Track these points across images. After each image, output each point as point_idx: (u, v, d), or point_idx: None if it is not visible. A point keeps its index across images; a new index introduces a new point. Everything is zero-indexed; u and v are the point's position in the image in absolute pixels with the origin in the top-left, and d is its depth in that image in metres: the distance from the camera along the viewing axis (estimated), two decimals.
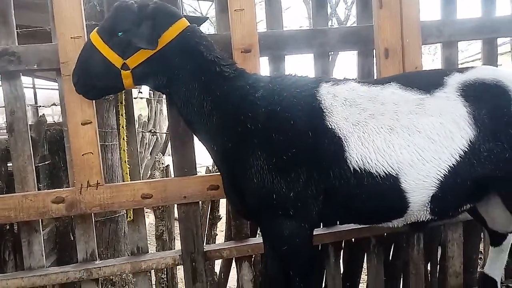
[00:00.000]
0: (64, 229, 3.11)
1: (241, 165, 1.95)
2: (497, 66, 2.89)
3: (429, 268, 3.17)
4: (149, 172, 5.44)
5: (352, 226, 2.73)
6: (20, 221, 2.33)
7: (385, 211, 2.04)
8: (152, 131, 3.51)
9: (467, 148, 1.92)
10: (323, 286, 2.87)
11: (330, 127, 1.92)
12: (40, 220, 2.41)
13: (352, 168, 1.90)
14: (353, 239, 2.90)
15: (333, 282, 2.83)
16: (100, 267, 2.41)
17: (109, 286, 3.13)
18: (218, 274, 2.99)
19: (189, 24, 2.03)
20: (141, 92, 4.10)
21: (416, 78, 2.16)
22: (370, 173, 1.90)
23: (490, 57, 2.87)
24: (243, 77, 2.06)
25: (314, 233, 2.63)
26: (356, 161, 1.90)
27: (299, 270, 2.02)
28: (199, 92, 2.00)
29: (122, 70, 1.98)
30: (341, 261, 2.92)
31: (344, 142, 1.91)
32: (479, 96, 1.99)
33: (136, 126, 3.47)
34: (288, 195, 1.90)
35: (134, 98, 3.30)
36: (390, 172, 1.90)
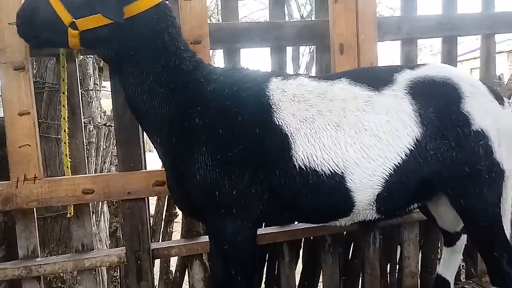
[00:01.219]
0: (12, 224, 2.99)
1: (185, 161, 1.87)
2: (456, 65, 2.88)
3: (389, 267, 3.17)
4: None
5: (307, 225, 2.70)
6: None
7: (331, 210, 1.99)
8: (108, 124, 3.40)
9: (413, 147, 1.88)
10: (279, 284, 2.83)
11: (278, 123, 1.86)
12: None
13: (297, 166, 1.84)
14: (311, 238, 2.87)
15: (287, 281, 2.79)
16: (40, 265, 2.30)
17: (59, 284, 3.03)
18: (173, 272, 2.92)
19: (161, 1, 1.88)
20: (105, 87, 3.96)
21: (367, 74, 2.11)
22: (316, 171, 1.84)
23: (450, 56, 2.85)
24: (199, 69, 1.95)
25: (268, 232, 2.64)
26: (302, 159, 1.84)
27: (241, 268, 1.96)
28: (152, 82, 1.87)
29: (69, 28, 1.79)
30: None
31: (291, 139, 1.84)
32: (427, 93, 1.95)
33: (104, 119, 3.38)
34: (232, 193, 1.83)
35: (98, 90, 3.21)
36: (336, 171, 1.85)
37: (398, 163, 1.87)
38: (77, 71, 2.35)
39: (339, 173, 1.85)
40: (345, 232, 2.89)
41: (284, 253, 2.77)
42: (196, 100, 1.87)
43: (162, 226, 3.02)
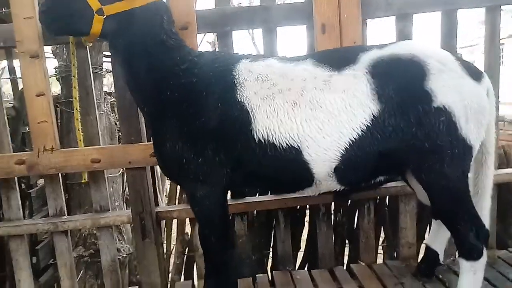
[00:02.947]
0: None
1: (159, 131, 2.15)
2: (456, 41, 2.81)
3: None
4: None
5: (297, 194, 2.88)
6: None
7: (291, 180, 2.16)
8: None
9: (370, 123, 1.98)
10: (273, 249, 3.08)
11: (240, 100, 2.05)
12: (16, 178, 2.78)
13: (257, 139, 2.03)
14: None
15: (283, 246, 3.02)
16: (64, 221, 2.76)
17: (92, 240, 3.52)
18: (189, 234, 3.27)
19: None
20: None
21: (333, 55, 2.22)
22: (274, 144, 2.02)
23: (449, 31, 2.79)
24: (179, 50, 2.18)
25: (261, 199, 2.87)
26: (261, 133, 2.02)
27: (211, 229, 2.22)
28: (141, 53, 2.11)
29: (96, 14, 2.04)
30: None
31: (251, 115, 2.03)
32: (389, 72, 2.02)
33: (110, 97, 3.76)
34: (197, 161, 2.07)
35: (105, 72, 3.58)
36: (292, 144, 2.01)
37: (354, 138, 1.99)
38: (89, 56, 2.69)
39: (296, 146, 2.01)
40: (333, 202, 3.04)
41: (280, 220, 2.99)
42: (170, 77, 2.11)
43: (175, 191, 3.37)
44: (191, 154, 2.07)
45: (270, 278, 2.98)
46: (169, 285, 3.12)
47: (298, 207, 3.20)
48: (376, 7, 2.64)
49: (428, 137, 1.98)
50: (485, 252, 2.11)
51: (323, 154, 2.01)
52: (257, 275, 2.96)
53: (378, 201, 3.23)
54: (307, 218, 3.27)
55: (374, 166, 2.08)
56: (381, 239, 3.41)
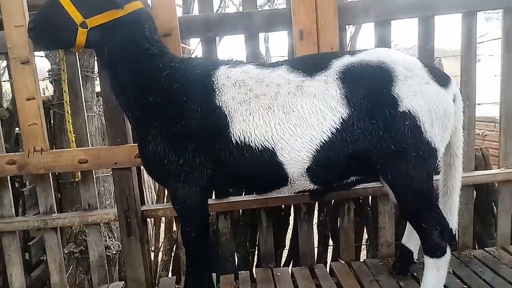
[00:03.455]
0: None
1: (142, 133, 2.27)
2: (433, 46, 2.91)
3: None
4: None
5: (279, 194, 2.99)
6: None
7: (268, 180, 2.27)
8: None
9: (339, 126, 2.09)
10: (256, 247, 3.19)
11: (218, 104, 2.16)
12: (8, 177, 2.91)
13: (234, 142, 2.14)
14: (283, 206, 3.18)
15: (265, 244, 3.13)
16: (54, 219, 2.89)
17: (83, 237, 3.63)
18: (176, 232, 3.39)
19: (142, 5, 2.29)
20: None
21: (307, 61, 2.32)
22: (250, 146, 2.13)
23: (426, 37, 2.89)
24: (161, 57, 2.30)
25: (243, 199, 2.98)
26: (238, 136, 2.14)
27: (191, 227, 2.34)
28: (125, 60, 2.23)
29: (80, 28, 2.18)
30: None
31: (229, 119, 2.14)
32: (358, 78, 2.12)
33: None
34: (178, 162, 2.19)
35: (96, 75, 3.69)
36: (267, 146, 2.12)
37: (324, 140, 2.09)
38: (77, 61, 2.81)
39: (270, 148, 2.12)
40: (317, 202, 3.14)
41: (262, 218, 3.10)
42: (153, 83, 2.23)
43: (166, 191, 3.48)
44: (172, 156, 2.18)
45: (254, 275, 3.09)
46: (156, 281, 3.24)
47: (283, 206, 3.31)
48: (354, 14, 2.74)
49: (394, 140, 2.08)
50: (448, 250, 2.21)
51: (295, 155, 2.12)
52: (239, 272, 3.07)
53: (360, 201, 3.34)
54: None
55: (344, 167, 2.18)
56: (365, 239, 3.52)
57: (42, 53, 3.78)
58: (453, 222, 2.44)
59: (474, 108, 3.02)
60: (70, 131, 2.75)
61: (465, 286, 2.68)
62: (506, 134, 3.06)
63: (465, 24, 2.92)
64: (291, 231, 3.41)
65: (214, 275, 2.64)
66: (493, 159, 3.38)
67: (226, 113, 2.15)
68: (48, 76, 3.59)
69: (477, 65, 3.05)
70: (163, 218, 3.56)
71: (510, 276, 2.76)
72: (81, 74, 2.93)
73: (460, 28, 2.96)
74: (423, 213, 2.19)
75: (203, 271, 2.47)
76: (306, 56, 2.54)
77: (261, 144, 2.12)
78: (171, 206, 2.87)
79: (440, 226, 2.21)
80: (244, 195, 3.04)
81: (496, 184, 3.23)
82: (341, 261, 3.15)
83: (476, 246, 3.33)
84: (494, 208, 3.31)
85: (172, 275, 3.38)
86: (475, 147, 3.20)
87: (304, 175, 2.18)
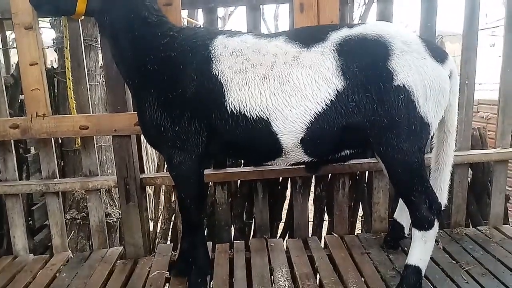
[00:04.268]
0: None
1: (140, 100, 2.31)
2: (434, 23, 2.89)
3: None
4: None
5: (275, 167, 3.05)
6: None
7: (263, 150, 2.31)
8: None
9: (334, 98, 2.11)
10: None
11: (214, 73, 2.19)
12: (12, 142, 2.98)
13: (230, 111, 2.18)
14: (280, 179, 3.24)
15: (261, 215, 3.20)
16: (56, 183, 2.97)
17: (85, 204, 3.73)
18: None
19: None
20: None
21: (305, 32, 2.32)
22: (245, 115, 2.17)
23: (428, 13, 2.87)
24: (161, 25, 2.32)
25: (240, 170, 3.04)
26: (234, 105, 2.17)
27: (187, 193, 2.40)
28: (125, 29, 2.28)
29: None
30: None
31: (225, 88, 2.17)
32: (354, 50, 2.13)
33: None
34: (174, 129, 2.24)
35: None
36: (262, 116, 2.16)
37: (319, 111, 2.12)
38: (80, 29, 2.84)
39: (265, 118, 2.15)
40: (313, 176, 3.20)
41: (258, 190, 3.16)
42: (151, 51, 2.26)
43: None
44: (169, 123, 2.23)
45: (249, 245, 3.17)
46: (155, 248, 3.34)
47: (280, 180, 3.37)
48: None
49: (388, 114, 2.10)
50: (436, 223, 2.25)
51: (290, 125, 2.15)
52: (234, 241, 3.16)
53: (357, 177, 3.39)
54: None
55: (338, 139, 2.20)
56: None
57: (48, 24, 3.82)
58: (443, 198, 2.47)
59: (473, 87, 3.02)
60: (71, 98, 2.81)
61: (453, 261, 2.74)
62: (504, 114, 3.07)
63: (468, 2, 2.90)
64: (288, 205, 3.48)
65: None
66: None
67: (222, 82, 2.17)
68: (52, 44, 3.63)
69: (491, 49, 3.04)
70: (162, 189, 3.63)
71: (499, 253, 2.82)
72: (84, 43, 2.97)
73: (463, 7, 2.95)
74: (413, 186, 2.22)
75: (198, 237, 2.54)
76: (305, 27, 2.55)
77: (256, 114, 2.16)
78: (169, 175, 2.99)
79: (429, 200, 2.25)
80: (243, 166, 3.10)
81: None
82: (335, 234, 3.22)
83: (471, 225, 3.38)
84: (490, 188, 3.34)
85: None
86: (473, 127, 3.22)
87: (298, 146, 2.22)
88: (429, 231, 2.25)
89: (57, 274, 2.82)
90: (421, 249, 2.28)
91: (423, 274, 2.31)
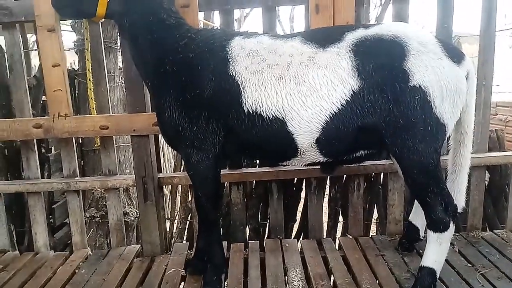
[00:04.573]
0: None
1: (159, 101, 2.36)
2: (451, 24, 2.88)
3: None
4: None
5: (290, 167, 3.08)
6: (20, 141, 3.03)
7: (278, 150, 2.33)
8: None
9: (349, 98, 2.12)
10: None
11: (232, 74, 2.22)
12: (35, 140, 3.08)
13: (246, 111, 2.21)
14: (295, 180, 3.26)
15: (276, 215, 3.23)
16: (76, 182, 3.06)
17: (104, 202, 3.81)
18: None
19: None
20: None
21: (321, 33, 2.34)
22: (261, 115, 2.20)
23: (445, 14, 2.87)
24: (179, 27, 2.39)
25: (255, 171, 3.08)
26: (250, 105, 2.20)
27: (204, 192, 2.44)
28: (144, 31, 2.35)
29: None
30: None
31: (241, 88, 2.21)
32: (370, 51, 2.14)
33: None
34: (192, 129, 2.28)
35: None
36: (278, 116, 2.19)
37: (334, 112, 2.14)
38: (101, 31, 2.92)
39: (280, 118, 2.18)
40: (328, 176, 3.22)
41: (273, 191, 3.19)
42: (170, 52, 2.32)
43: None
44: (187, 123, 2.28)
45: (263, 245, 3.19)
46: (171, 247, 3.39)
47: (295, 181, 3.39)
48: None
49: (403, 114, 2.10)
50: (451, 225, 2.24)
51: (305, 126, 2.17)
52: (249, 241, 3.19)
53: (372, 179, 3.39)
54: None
55: (353, 140, 2.21)
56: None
57: (69, 27, 3.92)
58: (460, 201, 2.46)
59: (490, 88, 3.00)
60: (91, 98, 2.89)
61: (469, 265, 2.72)
62: None
63: (486, 2, 2.88)
64: (303, 206, 3.50)
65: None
66: None
67: (239, 82, 2.21)
68: (73, 46, 3.73)
69: (510, 50, 3.02)
70: (179, 189, 3.69)
71: None
72: (104, 45, 3.05)
73: (480, 7, 2.93)
74: (428, 188, 2.22)
75: (214, 236, 2.58)
76: (320, 28, 2.56)
77: (272, 114, 2.19)
78: (186, 174, 3.03)
79: (445, 202, 2.24)
80: (258, 167, 3.13)
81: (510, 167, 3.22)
82: (349, 236, 3.22)
83: (488, 229, 3.34)
84: (508, 191, 3.30)
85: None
86: (490, 129, 3.19)
87: (314, 146, 2.24)
88: (445, 233, 2.24)
89: (76, 270, 2.90)
90: (436, 251, 2.27)
91: (437, 276, 2.31)
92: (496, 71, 3.02)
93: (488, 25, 2.92)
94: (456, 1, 2.87)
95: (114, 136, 3.10)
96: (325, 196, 3.39)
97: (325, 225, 3.44)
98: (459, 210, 2.38)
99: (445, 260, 2.69)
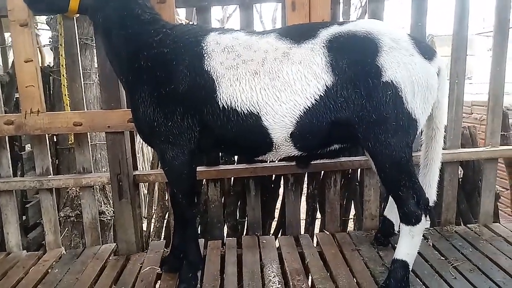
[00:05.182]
0: None
1: (133, 96, 2.34)
2: (425, 23, 2.94)
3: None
4: None
5: (268, 164, 3.09)
6: None
7: (254, 144, 2.33)
8: None
9: (323, 93, 2.14)
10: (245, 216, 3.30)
11: (206, 69, 2.22)
12: (6, 137, 3.01)
13: (221, 106, 2.21)
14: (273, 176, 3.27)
15: (253, 213, 3.23)
16: (49, 180, 3.00)
17: (79, 201, 3.75)
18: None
19: None
20: None
21: (296, 29, 2.36)
22: (236, 111, 2.20)
23: (418, 13, 2.92)
24: (154, 23, 2.36)
25: (232, 167, 3.07)
26: (225, 100, 2.20)
27: (179, 188, 2.43)
28: (118, 26, 2.32)
29: None
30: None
31: (216, 83, 2.20)
32: (344, 47, 2.17)
33: None
34: (167, 125, 2.27)
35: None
36: (253, 111, 2.19)
37: (308, 106, 2.15)
38: (76, 27, 2.88)
39: (255, 113, 2.18)
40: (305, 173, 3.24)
41: (251, 188, 3.19)
42: (144, 48, 2.29)
43: None
44: (162, 118, 2.26)
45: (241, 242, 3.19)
46: (148, 245, 3.36)
47: (273, 178, 3.40)
48: None
49: (376, 109, 2.13)
50: (423, 218, 2.28)
51: (280, 120, 2.18)
52: (226, 238, 3.18)
53: (349, 176, 3.42)
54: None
55: (327, 134, 2.23)
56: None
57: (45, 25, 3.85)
58: (432, 194, 2.51)
59: (462, 86, 3.06)
60: (65, 95, 2.84)
61: (442, 258, 2.77)
62: (493, 113, 3.11)
63: (459, 1, 2.95)
64: (281, 203, 3.51)
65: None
66: None
67: (214, 78, 2.21)
68: (49, 43, 3.66)
69: (489, 52, 3.08)
70: (156, 187, 3.65)
71: (488, 250, 2.85)
72: (80, 41, 3.01)
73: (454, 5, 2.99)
74: (400, 182, 2.25)
75: (190, 233, 2.56)
76: (296, 25, 2.59)
77: (247, 109, 2.19)
78: (163, 172, 3.01)
79: (417, 195, 2.28)
80: (236, 164, 3.13)
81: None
82: (326, 232, 3.25)
83: (462, 224, 3.41)
84: (481, 186, 3.37)
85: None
86: (463, 126, 3.26)
87: (288, 141, 2.25)
88: (417, 226, 2.27)
89: (49, 270, 2.84)
90: (408, 244, 2.31)
91: (410, 269, 2.34)
92: (476, 73, 3.09)
93: (460, 23, 2.99)
94: (429, 0, 2.94)
95: (89, 134, 3.06)
96: (303, 193, 3.42)
97: (303, 222, 3.47)
98: (430, 204, 2.43)
99: (419, 254, 2.75)
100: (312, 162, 2.80)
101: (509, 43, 3.09)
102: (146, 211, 3.77)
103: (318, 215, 3.51)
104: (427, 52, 2.26)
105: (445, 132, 3.07)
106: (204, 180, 3.22)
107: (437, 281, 2.50)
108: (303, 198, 3.45)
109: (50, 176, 3.03)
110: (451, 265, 2.67)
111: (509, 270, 2.59)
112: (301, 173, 3.22)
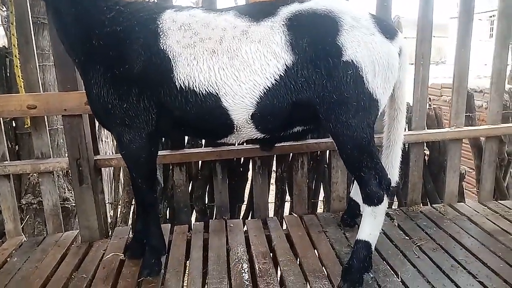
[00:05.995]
0: None
1: (86, 77, 2.24)
2: (391, 3, 2.91)
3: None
4: None
5: (233, 146, 3.04)
6: None
7: (215, 126, 2.26)
8: None
9: (283, 73, 2.08)
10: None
11: (162, 48, 2.12)
12: None
13: (178, 86, 2.13)
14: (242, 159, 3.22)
15: (220, 196, 3.18)
16: (6, 166, 2.87)
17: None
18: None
19: None
20: None
21: (256, 7, 2.29)
22: (194, 91, 2.12)
23: None
24: (107, 0, 2.24)
25: (198, 151, 3.01)
26: (182, 80, 2.12)
27: (138, 172, 2.35)
28: (68, 3, 2.18)
29: None
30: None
31: (173, 63, 2.11)
32: (304, 25, 2.11)
33: None
34: (122, 106, 2.18)
35: None
36: (211, 91, 2.12)
37: (268, 87, 2.10)
38: (28, 4, 2.72)
39: (214, 93, 2.11)
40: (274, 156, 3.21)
41: (217, 171, 3.14)
42: (96, 26, 2.18)
43: None
44: (116, 100, 2.17)
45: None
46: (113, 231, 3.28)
47: (241, 161, 3.35)
48: None
49: (336, 89, 2.10)
50: (385, 199, 2.28)
51: (239, 101, 2.12)
52: (193, 223, 3.14)
53: (318, 158, 3.40)
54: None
55: (289, 115, 2.19)
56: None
57: None
58: (394, 174, 2.52)
59: (428, 66, 3.06)
60: (18, 76, 2.71)
61: (406, 238, 2.80)
62: (458, 94, 3.13)
63: None
64: (250, 187, 3.47)
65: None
66: None
67: (170, 57, 2.12)
68: (3, 23, 3.48)
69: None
70: (122, 172, 3.56)
71: (451, 229, 2.90)
72: (37, 20, 2.85)
73: None
74: (362, 162, 2.23)
75: (151, 218, 2.50)
76: (255, 2, 2.51)
77: (205, 89, 2.12)
78: None
79: (379, 176, 2.27)
80: (203, 147, 3.07)
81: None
82: (294, 214, 3.24)
83: (429, 204, 3.45)
84: (446, 167, 3.41)
85: None
86: (428, 107, 3.27)
87: (249, 122, 2.20)
88: (379, 206, 2.27)
89: (8, 259, 2.74)
90: (371, 224, 2.30)
91: (373, 249, 2.35)
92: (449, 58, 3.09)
93: (426, 5, 2.96)
94: None
95: (48, 117, 2.93)
96: (271, 176, 3.39)
97: (272, 205, 3.45)
98: (392, 184, 2.43)
99: (384, 234, 2.78)
100: (277, 145, 2.79)
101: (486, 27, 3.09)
102: (112, 197, 3.68)
103: (288, 198, 3.49)
104: (389, 31, 2.22)
105: (410, 113, 3.09)
106: (170, 164, 3.15)
107: (401, 260, 2.53)
108: (273, 181, 3.44)
109: (6, 162, 2.91)
110: (415, 244, 2.70)
111: (471, 248, 2.64)
112: (269, 156, 3.18)
